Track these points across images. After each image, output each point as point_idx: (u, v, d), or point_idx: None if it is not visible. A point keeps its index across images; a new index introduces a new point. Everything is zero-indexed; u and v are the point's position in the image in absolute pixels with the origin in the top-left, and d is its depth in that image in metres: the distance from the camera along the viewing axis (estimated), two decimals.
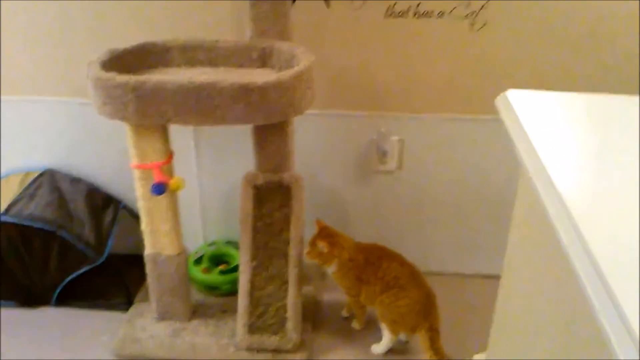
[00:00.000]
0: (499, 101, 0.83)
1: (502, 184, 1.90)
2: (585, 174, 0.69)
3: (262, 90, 1.36)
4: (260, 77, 1.38)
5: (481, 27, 1.70)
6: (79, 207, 1.87)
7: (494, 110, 1.79)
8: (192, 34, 1.64)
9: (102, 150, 1.97)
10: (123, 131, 1.87)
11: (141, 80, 1.34)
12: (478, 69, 1.75)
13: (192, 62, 1.61)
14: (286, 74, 1.39)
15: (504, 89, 1.75)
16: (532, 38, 1.70)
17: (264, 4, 1.54)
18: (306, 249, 1.69)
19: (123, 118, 1.41)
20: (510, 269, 1.00)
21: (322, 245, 1.65)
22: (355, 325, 1.84)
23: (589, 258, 0.57)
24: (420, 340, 1.64)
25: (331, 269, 1.72)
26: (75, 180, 1.96)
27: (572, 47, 1.70)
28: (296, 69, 1.41)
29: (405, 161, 1.91)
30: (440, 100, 1.81)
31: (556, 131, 0.76)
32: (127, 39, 1.57)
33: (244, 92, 1.35)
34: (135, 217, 2.03)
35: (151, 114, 1.38)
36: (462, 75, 1.77)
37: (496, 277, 2.02)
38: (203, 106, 1.36)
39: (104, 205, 1.95)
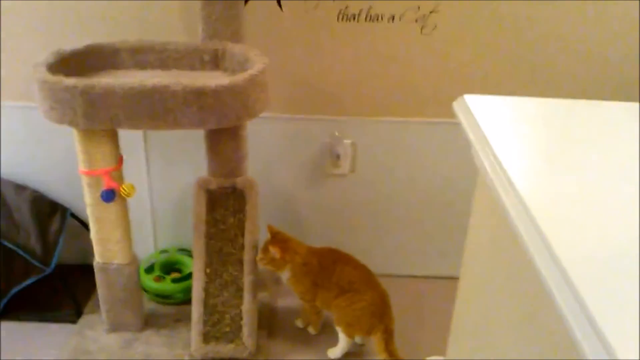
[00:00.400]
0: (456, 105, 0.84)
1: (454, 186, 1.93)
2: (543, 174, 0.70)
3: (216, 93, 1.34)
4: (214, 80, 1.36)
5: (432, 31, 1.72)
6: (24, 215, 1.79)
7: (445, 114, 1.82)
8: (141, 36, 1.60)
9: (48, 155, 1.90)
10: (69, 135, 1.82)
11: (90, 84, 1.30)
12: (429, 72, 1.77)
13: (142, 65, 1.58)
14: (240, 77, 1.37)
15: (455, 92, 1.77)
16: (481, 41, 1.73)
17: (216, 5, 1.52)
18: (258, 256, 1.66)
19: (71, 123, 1.36)
20: (468, 269, 1.01)
21: (275, 251, 1.63)
22: (311, 330, 1.82)
23: (550, 255, 0.58)
24: (375, 342, 1.64)
25: (285, 275, 1.70)
26: (20, 188, 1.88)
27: (521, 48, 1.73)
28: (250, 72, 1.40)
29: (358, 164, 1.91)
30: (393, 103, 1.82)
31: (512, 134, 0.77)
32: (73, 40, 1.52)
33: (197, 95, 1.33)
34: (83, 224, 1.97)
35: (101, 118, 1.34)
36: (413, 79, 1.78)
37: (449, 278, 2.06)
38: (155, 110, 1.33)
39: (51, 212, 1.88)
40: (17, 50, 1.76)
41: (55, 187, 1.94)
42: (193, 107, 1.33)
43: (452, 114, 1.82)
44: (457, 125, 1.82)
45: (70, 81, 1.31)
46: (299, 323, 1.84)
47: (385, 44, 1.74)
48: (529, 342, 0.70)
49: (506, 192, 0.67)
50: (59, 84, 1.31)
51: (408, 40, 1.73)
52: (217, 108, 1.35)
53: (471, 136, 0.75)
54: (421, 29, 1.72)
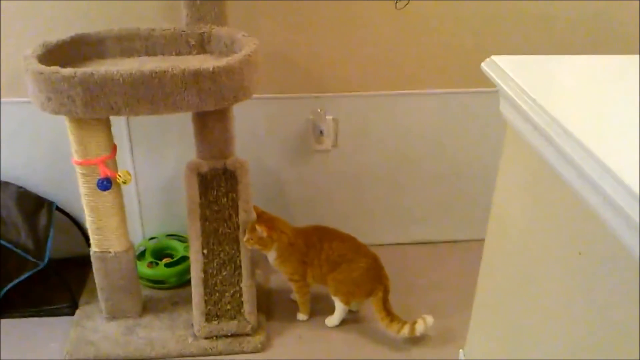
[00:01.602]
0: (485, 65, 0.89)
1: (433, 155, 2.01)
2: (590, 118, 0.74)
3: (214, 75, 1.37)
4: (210, 62, 1.38)
5: (405, 6, 1.78)
6: (11, 212, 1.78)
7: (421, 85, 1.91)
8: (125, 23, 1.60)
9: (28, 150, 1.88)
10: (49, 129, 1.81)
11: (88, 72, 1.31)
12: (405, 46, 1.84)
13: (128, 52, 1.59)
14: (235, 58, 1.40)
15: (431, 64, 1.86)
16: (457, 12, 1.80)
17: None
18: (246, 236, 1.69)
19: (69, 112, 1.36)
20: (496, 233, 1.08)
21: (261, 230, 1.65)
22: (301, 316, 1.84)
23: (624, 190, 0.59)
24: (373, 303, 1.71)
25: (272, 256, 1.73)
26: (3, 185, 1.86)
27: (492, 20, 1.81)
28: (244, 52, 1.43)
29: (340, 140, 1.97)
30: (372, 78, 1.88)
31: (549, 88, 0.83)
32: (55, 32, 1.51)
33: (196, 78, 1.36)
34: (70, 217, 1.96)
35: (101, 106, 1.35)
36: (390, 53, 1.85)
37: (430, 243, 2.16)
38: (154, 95, 1.35)
39: (37, 207, 1.87)
40: None
41: (38, 182, 1.93)
42: (192, 90, 1.36)
43: (430, 85, 1.90)
44: (434, 95, 1.91)
45: (68, 71, 1.32)
46: (294, 297, 1.89)
47: (362, 21, 1.79)
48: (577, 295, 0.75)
49: (565, 140, 0.69)
50: (56, 74, 1.31)
51: (383, 16, 1.79)
52: (215, 90, 1.38)
53: (509, 92, 0.81)
54: (395, 4, 1.78)
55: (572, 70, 0.92)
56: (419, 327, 1.68)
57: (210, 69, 1.36)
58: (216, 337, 1.71)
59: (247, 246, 1.69)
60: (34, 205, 1.87)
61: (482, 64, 0.90)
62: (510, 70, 0.82)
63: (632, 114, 0.73)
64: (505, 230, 1.02)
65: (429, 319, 1.69)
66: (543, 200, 0.84)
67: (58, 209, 1.94)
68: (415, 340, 1.74)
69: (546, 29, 1.84)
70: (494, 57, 0.88)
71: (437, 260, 2.12)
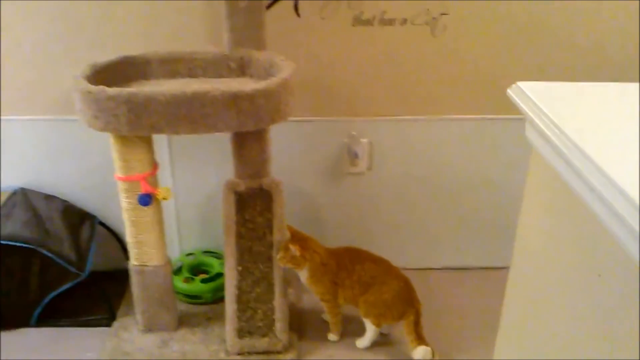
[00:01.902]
0: (511, 91, 0.92)
1: (467, 181, 2.02)
2: (611, 146, 0.76)
3: (251, 97, 1.42)
4: (249, 85, 1.44)
5: (442, 32, 1.82)
6: (56, 224, 1.86)
7: (456, 111, 1.93)
8: (169, 47, 1.68)
9: (74, 166, 1.97)
10: (94, 147, 1.89)
11: (133, 92, 1.38)
12: (440, 72, 1.87)
13: (171, 74, 1.66)
14: (273, 82, 1.45)
15: (465, 90, 1.88)
16: (489, 40, 1.82)
17: (240, 15, 1.60)
18: (279, 254, 1.72)
19: (114, 130, 1.43)
20: (521, 258, 1.09)
21: (294, 249, 1.68)
22: (332, 336, 1.85)
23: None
24: (404, 326, 1.72)
25: (304, 275, 1.76)
26: (49, 198, 1.95)
27: (529, 46, 1.83)
28: (281, 76, 1.48)
29: (375, 162, 2.00)
30: (407, 102, 1.91)
31: (570, 112, 0.85)
32: (102, 55, 1.59)
33: (235, 99, 1.41)
34: (111, 232, 2.03)
35: (143, 124, 1.41)
36: (426, 79, 1.88)
37: (465, 269, 2.15)
38: (195, 115, 1.41)
39: (81, 221, 1.94)
40: (44, 67, 1.82)
41: (82, 197, 2.01)
42: (231, 111, 1.41)
43: (464, 111, 1.92)
44: (469, 121, 1.93)
45: (114, 90, 1.38)
46: (325, 317, 1.91)
47: (398, 47, 1.83)
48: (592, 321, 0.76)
49: (583, 164, 0.71)
50: (102, 93, 1.38)
51: (420, 42, 1.82)
52: (253, 111, 1.43)
53: (533, 117, 0.83)
54: (432, 31, 1.81)
55: (597, 97, 0.93)
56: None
57: (249, 91, 1.41)
58: (248, 353, 1.74)
59: (280, 264, 1.72)
60: (78, 218, 1.95)
61: (508, 90, 0.92)
62: (535, 96, 0.84)
63: None
64: (529, 255, 1.03)
65: None
66: (565, 224, 0.85)
67: (100, 223, 2.02)
68: None
69: (578, 57, 1.85)
70: (520, 83, 0.90)
71: (467, 286, 2.11)
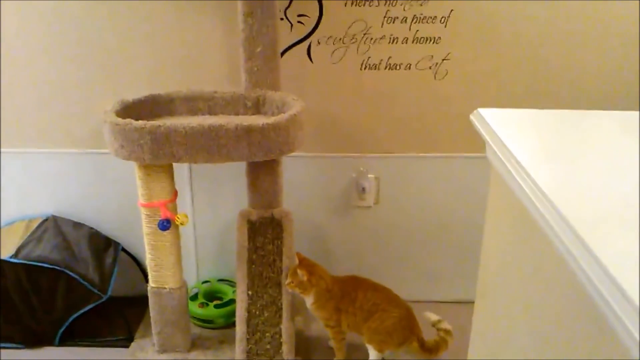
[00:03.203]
0: (472, 116, 1.04)
1: (471, 216, 2.12)
2: (560, 172, 0.86)
3: (263, 130, 1.56)
4: (260, 119, 1.58)
5: (444, 77, 1.95)
6: (82, 249, 2.00)
7: (459, 149, 2.04)
8: (192, 87, 1.84)
9: (101, 197, 2.12)
10: (120, 180, 2.05)
11: (156, 125, 1.53)
12: (443, 112, 2.00)
13: (193, 111, 1.81)
14: (282, 117, 1.60)
15: (467, 129, 1.99)
16: (489, 84, 1.95)
17: (256, 59, 1.75)
18: (287, 280, 1.82)
19: (138, 159, 1.58)
20: (485, 285, 1.18)
21: (302, 274, 1.78)
22: None
23: (592, 259, 0.64)
24: (412, 350, 1.81)
25: (309, 301, 1.85)
26: (78, 225, 2.10)
27: (526, 88, 1.96)
28: (290, 112, 1.62)
29: (382, 197, 2.12)
30: (412, 140, 2.04)
31: (522, 137, 0.96)
32: (131, 94, 1.76)
33: (247, 132, 1.55)
34: (133, 258, 2.17)
35: (164, 154, 1.56)
36: (429, 119, 2.01)
37: (467, 303, 2.21)
38: (211, 146, 1.55)
39: (105, 247, 2.08)
40: (73, 103, 2.00)
41: (108, 225, 2.15)
42: (243, 143, 1.56)
43: (466, 149, 2.03)
44: (471, 159, 2.03)
45: (139, 123, 1.54)
46: (331, 344, 2.00)
47: (404, 89, 1.97)
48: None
49: (532, 191, 0.80)
50: (129, 125, 1.54)
51: (423, 85, 1.96)
52: (263, 143, 1.57)
53: (487, 138, 0.95)
54: (435, 75, 1.95)
55: (552, 124, 1.04)
56: None
57: (260, 125, 1.55)
58: None
59: (288, 289, 1.83)
60: (103, 244, 2.09)
61: (470, 116, 1.05)
62: (492, 121, 0.96)
63: (603, 170, 0.85)
64: (492, 279, 1.12)
65: None
66: (517, 239, 0.95)
67: (124, 250, 2.15)
68: None
69: (582, 100, 1.96)
70: (480, 110, 1.02)
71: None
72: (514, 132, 0.95)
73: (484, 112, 1.01)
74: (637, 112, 1.04)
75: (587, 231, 0.68)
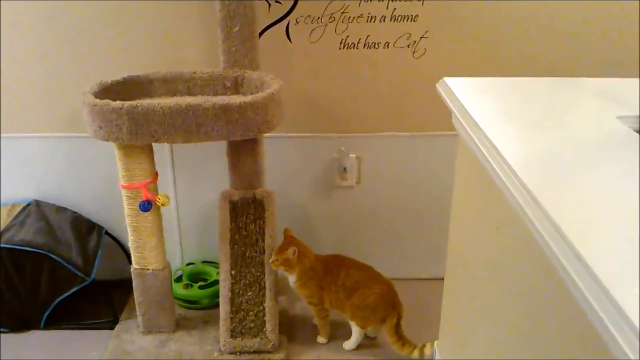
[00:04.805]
0: (439, 86, 1.06)
1: (448, 193, 2.13)
2: (515, 135, 0.89)
3: (240, 109, 1.57)
4: (238, 98, 1.59)
5: (422, 55, 1.96)
6: (66, 232, 2.00)
7: (439, 127, 2.05)
8: (171, 68, 1.84)
9: (84, 181, 2.12)
10: (102, 163, 2.05)
11: (133, 105, 1.53)
12: (421, 90, 2.01)
13: (172, 92, 1.81)
14: (260, 95, 1.60)
15: (446, 107, 2.01)
16: (466, 61, 1.96)
17: (234, 39, 1.76)
18: (272, 258, 1.83)
19: (117, 139, 1.58)
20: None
21: (293, 251, 1.80)
22: (320, 339, 1.96)
23: (548, 221, 0.65)
24: (387, 329, 1.83)
25: (293, 279, 1.87)
26: (61, 209, 2.10)
27: (502, 65, 1.97)
28: (268, 91, 1.63)
29: (363, 177, 2.13)
30: (392, 119, 2.05)
31: (486, 105, 0.98)
32: (109, 76, 1.76)
33: (224, 111, 1.56)
34: (117, 242, 2.17)
35: (143, 134, 1.56)
36: (408, 97, 2.02)
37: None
38: (189, 125, 1.56)
39: (88, 230, 2.09)
40: (56, 87, 1.99)
41: (91, 209, 2.16)
42: (221, 122, 1.56)
43: (448, 127, 2.04)
44: (453, 136, 2.05)
45: (116, 103, 1.54)
46: (315, 321, 2.02)
47: (382, 68, 1.98)
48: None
49: (490, 154, 0.83)
50: (106, 106, 1.54)
51: (402, 63, 1.97)
52: (241, 122, 1.58)
53: (452, 107, 0.96)
54: (413, 53, 1.96)
55: (514, 91, 1.06)
56: (427, 351, 1.78)
57: (238, 103, 1.56)
58: (239, 352, 1.85)
59: (273, 267, 1.84)
60: (86, 228, 2.10)
61: (437, 85, 1.06)
62: (457, 89, 0.97)
63: (565, 135, 0.87)
64: (459, 248, 1.14)
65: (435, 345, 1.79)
66: (478, 198, 0.97)
67: (108, 233, 2.16)
68: None
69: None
70: (446, 79, 1.04)
71: None
72: (478, 99, 0.96)
73: (449, 81, 1.02)
74: (601, 79, 1.06)
75: (544, 194, 0.69)
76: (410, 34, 1.93)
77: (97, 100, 1.56)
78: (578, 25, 1.91)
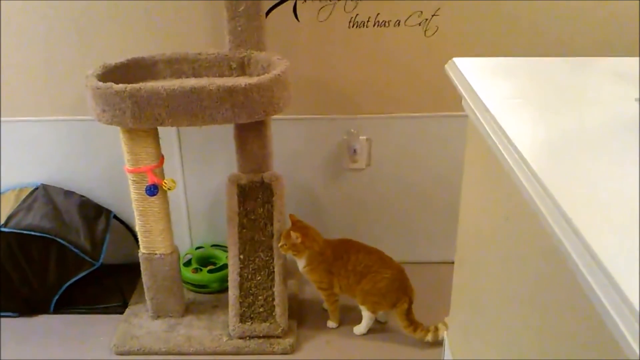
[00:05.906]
0: (447, 67, 1.01)
1: (460, 175, 2.09)
2: (529, 122, 0.85)
3: (246, 91, 1.53)
4: (243, 80, 1.55)
5: (433, 33, 1.91)
6: (73, 217, 1.99)
7: (451, 108, 2.00)
8: (176, 49, 1.80)
9: (92, 165, 2.10)
10: (110, 147, 2.02)
11: (137, 87, 1.50)
12: (434, 70, 1.94)
13: (177, 74, 1.78)
14: (266, 77, 1.56)
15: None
16: (479, 39, 1.90)
17: (240, 18, 1.71)
18: (280, 242, 1.81)
19: (120, 123, 1.55)
20: (463, 237, 1.17)
21: (296, 236, 1.77)
22: (331, 323, 1.94)
23: (552, 203, 0.63)
24: (397, 313, 1.80)
25: (301, 264, 1.85)
26: (68, 193, 2.08)
27: (517, 46, 1.91)
28: (274, 72, 1.59)
29: (373, 159, 2.09)
30: (403, 100, 2.00)
31: (496, 85, 0.93)
32: (114, 58, 1.72)
33: (230, 93, 1.52)
34: (125, 226, 2.16)
35: (146, 117, 1.53)
36: (420, 77, 1.97)
37: None
38: (193, 108, 1.52)
39: (96, 215, 2.07)
40: (62, 71, 1.96)
41: (99, 193, 2.14)
42: (226, 104, 1.53)
43: (459, 108, 2.00)
44: (464, 117, 2.00)
45: (120, 86, 1.51)
46: (325, 306, 2.00)
47: (393, 47, 1.92)
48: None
49: (498, 137, 0.80)
50: (110, 89, 1.51)
51: (413, 43, 1.91)
52: (247, 104, 1.54)
53: (461, 89, 0.92)
54: (425, 32, 1.90)
55: (526, 71, 1.01)
56: (441, 331, 1.76)
57: (243, 85, 1.52)
58: (249, 337, 1.84)
59: (282, 252, 1.82)
60: (94, 212, 2.08)
61: (445, 66, 1.01)
62: (466, 71, 0.93)
63: (576, 116, 0.83)
64: (469, 233, 1.10)
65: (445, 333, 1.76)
66: (488, 183, 0.93)
67: (116, 217, 2.14)
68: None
69: (570, 53, 1.91)
70: (455, 59, 0.99)
71: None
72: (489, 81, 0.92)
73: (459, 61, 0.98)
74: (619, 59, 1.01)
75: (556, 185, 0.66)
76: (421, 12, 1.88)
77: (100, 83, 1.53)
78: (600, 4, 1.84)
